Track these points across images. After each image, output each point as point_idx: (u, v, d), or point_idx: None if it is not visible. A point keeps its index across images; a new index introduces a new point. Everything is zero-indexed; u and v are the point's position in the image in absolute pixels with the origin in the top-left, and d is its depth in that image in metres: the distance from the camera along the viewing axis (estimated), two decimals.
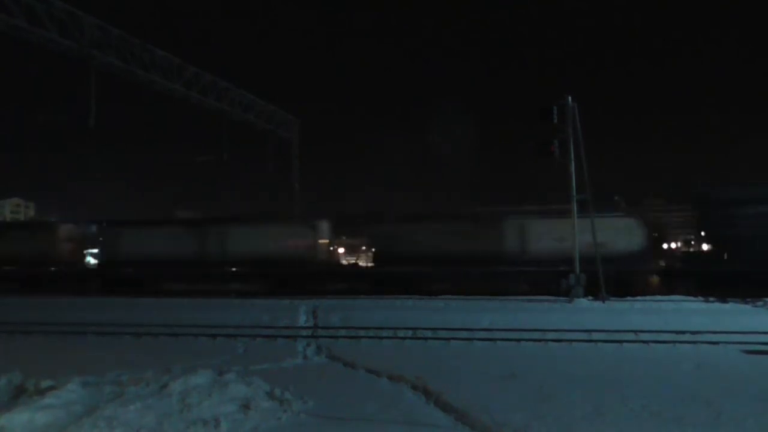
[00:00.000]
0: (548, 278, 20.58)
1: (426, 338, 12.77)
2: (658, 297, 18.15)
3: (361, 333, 13.24)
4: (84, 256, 30.08)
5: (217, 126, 34.47)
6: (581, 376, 8.91)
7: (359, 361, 10.11)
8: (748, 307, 16.35)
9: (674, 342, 11.70)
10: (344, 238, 30.79)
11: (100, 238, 27.58)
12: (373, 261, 25.33)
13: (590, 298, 18.24)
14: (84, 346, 12.50)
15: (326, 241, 25.76)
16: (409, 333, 13.14)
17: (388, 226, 24.22)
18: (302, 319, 15.52)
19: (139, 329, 13.92)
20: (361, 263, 31.35)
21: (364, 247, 30.66)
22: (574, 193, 19.11)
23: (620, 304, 17.08)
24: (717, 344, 11.41)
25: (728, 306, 16.54)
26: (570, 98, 19.11)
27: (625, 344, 11.69)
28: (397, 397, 7.77)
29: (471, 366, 9.83)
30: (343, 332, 13.38)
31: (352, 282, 24.23)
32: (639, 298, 18.32)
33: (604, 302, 17.55)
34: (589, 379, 8.69)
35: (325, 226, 25.54)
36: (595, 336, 12.18)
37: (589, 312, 15.68)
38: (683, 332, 12.19)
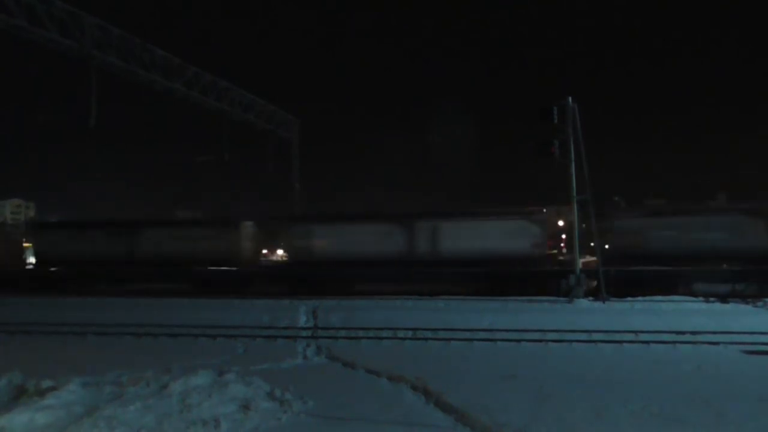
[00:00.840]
0: (548, 278, 20.49)
1: (426, 339, 12.77)
2: (658, 297, 18.11)
3: (361, 333, 13.24)
4: (262, 255, 27.41)
5: (217, 126, 34.61)
6: (581, 376, 8.91)
7: (359, 361, 10.11)
8: (748, 307, 16.34)
9: (674, 342, 11.70)
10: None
11: (287, 236, 25.05)
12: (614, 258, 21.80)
13: (591, 298, 18.23)
14: (84, 346, 12.52)
15: (552, 237, 23.06)
16: (409, 333, 13.12)
17: (635, 219, 21.39)
18: (302, 320, 15.50)
19: (139, 329, 13.94)
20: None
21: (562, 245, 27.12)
22: (574, 193, 19.11)
23: (620, 304, 17.06)
24: (717, 344, 11.42)
25: (728, 306, 16.53)
26: (570, 98, 19.12)
27: (625, 345, 11.70)
28: (397, 398, 7.77)
29: (471, 366, 9.84)
30: (343, 333, 13.38)
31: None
32: (639, 298, 18.29)
33: (604, 303, 17.54)
34: (590, 379, 8.69)
35: (545, 218, 22.54)
36: (595, 336, 12.19)
37: (589, 312, 15.67)
38: (683, 333, 12.19)
